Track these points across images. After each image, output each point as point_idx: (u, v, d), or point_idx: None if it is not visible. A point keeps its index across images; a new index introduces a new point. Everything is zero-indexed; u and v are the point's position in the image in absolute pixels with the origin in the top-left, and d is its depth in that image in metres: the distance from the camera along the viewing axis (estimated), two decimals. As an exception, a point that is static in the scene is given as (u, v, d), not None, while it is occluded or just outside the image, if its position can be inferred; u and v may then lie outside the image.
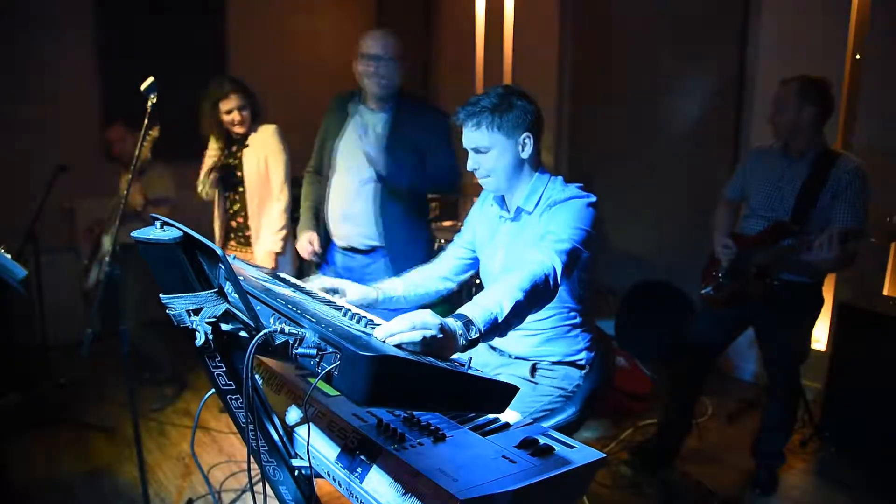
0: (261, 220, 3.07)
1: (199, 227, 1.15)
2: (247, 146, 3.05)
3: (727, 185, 2.82)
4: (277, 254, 3.07)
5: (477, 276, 2.07)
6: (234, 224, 3.15)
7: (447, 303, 3.69)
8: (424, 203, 2.86)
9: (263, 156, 3.03)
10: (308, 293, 1.57)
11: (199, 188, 3.09)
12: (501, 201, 1.90)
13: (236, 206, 3.13)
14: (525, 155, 1.77)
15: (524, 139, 1.76)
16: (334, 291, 1.76)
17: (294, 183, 3.09)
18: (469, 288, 3.93)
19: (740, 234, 2.65)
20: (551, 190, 1.79)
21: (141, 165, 3.04)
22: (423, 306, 1.65)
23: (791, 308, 2.55)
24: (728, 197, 2.77)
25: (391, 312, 1.45)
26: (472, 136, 1.76)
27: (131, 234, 1.10)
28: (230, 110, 2.95)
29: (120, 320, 2.42)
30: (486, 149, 1.75)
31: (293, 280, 1.74)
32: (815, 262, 2.31)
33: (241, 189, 3.10)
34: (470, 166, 1.80)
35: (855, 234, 2.26)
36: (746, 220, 2.66)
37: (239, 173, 3.05)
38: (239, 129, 3.01)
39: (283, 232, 3.06)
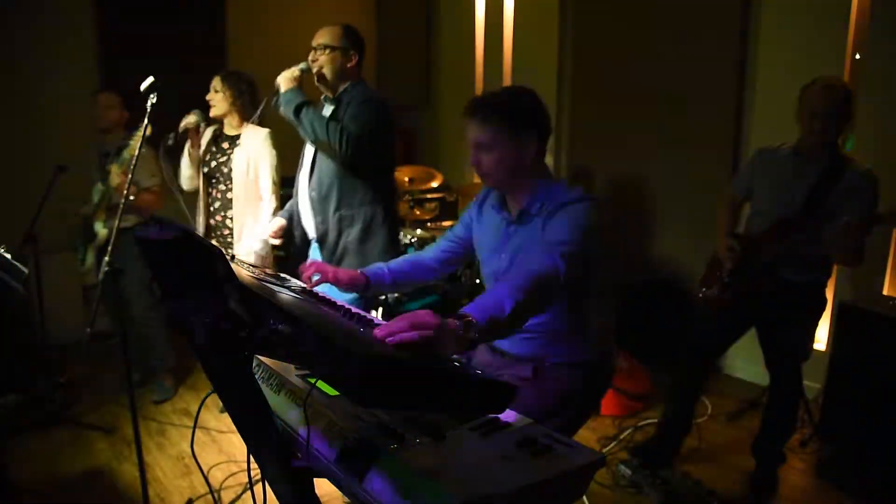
0: (244, 220, 3.11)
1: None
2: (238, 145, 3.11)
3: (732, 182, 2.81)
4: (260, 255, 3.10)
5: (475, 275, 2.08)
6: (212, 222, 3.18)
7: (435, 293, 3.67)
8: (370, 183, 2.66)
9: (254, 158, 3.08)
10: (308, 293, 1.57)
11: (181, 180, 3.18)
12: (502, 203, 1.89)
13: (216, 205, 3.16)
14: (528, 156, 1.77)
15: (528, 141, 1.75)
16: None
17: (286, 183, 3.16)
18: (469, 289, 3.93)
19: (746, 234, 2.65)
20: (555, 193, 1.78)
21: (130, 159, 3.08)
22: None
23: (794, 308, 2.56)
24: (733, 193, 2.77)
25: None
26: (477, 130, 1.75)
27: (135, 233, 1.11)
28: (209, 91, 3.11)
29: (120, 320, 2.42)
30: (489, 145, 1.75)
31: (293, 280, 1.74)
32: (829, 253, 2.31)
33: (221, 188, 3.14)
34: (472, 162, 1.80)
35: (866, 224, 2.26)
36: (752, 220, 2.66)
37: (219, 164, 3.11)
38: (213, 113, 3.11)
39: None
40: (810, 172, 2.46)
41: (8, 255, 2.05)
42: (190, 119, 3.04)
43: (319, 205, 2.69)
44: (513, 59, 4.92)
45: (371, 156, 2.57)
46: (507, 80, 4.91)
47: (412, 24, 5.58)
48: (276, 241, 2.92)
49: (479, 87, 5.13)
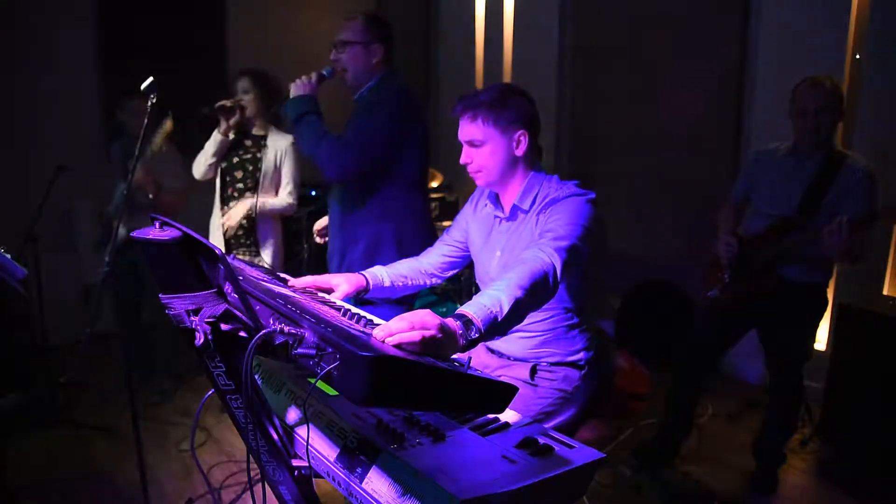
0: (268, 223, 3.14)
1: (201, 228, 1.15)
2: (264, 146, 3.11)
3: (733, 188, 2.82)
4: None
5: (475, 275, 2.07)
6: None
7: (435, 293, 3.63)
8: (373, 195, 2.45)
9: (279, 161, 3.10)
10: (308, 293, 1.57)
11: (195, 167, 3.14)
12: (495, 200, 1.89)
13: (232, 203, 3.13)
14: (519, 152, 1.77)
15: (519, 136, 1.76)
16: (328, 290, 1.78)
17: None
18: (469, 289, 3.93)
19: (745, 234, 2.65)
20: (548, 188, 1.79)
21: (154, 155, 3.07)
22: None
23: (795, 308, 2.56)
24: (733, 199, 2.78)
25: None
26: (467, 128, 1.76)
27: (131, 234, 1.10)
28: (237, 91, 3.08)
29: (121, 321, 2.42)
30: (480, 142, 1.75)
31: (293, 280, 1.74)
32: (824, 252, 2.32)
33: (239, 186, 3.13)
34: (462, 160, 1.80)
35: (863, 221, 2.26)
36: (751, 220, 2.67)
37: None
38: (247, 114, 3.07)
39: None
40: (807, 171, 2.47)
41: (8, 255, 2.04)
42: (226, 101, 2.97)
43: (331, 220, 2.62)
44: (513, 59, 4.92)
45: (374, 173, 2.37)
46: (507, 80, 4.91)
47: (412, 24, 5.58)
48: (321, 240, 2.86)
49: (479, 87, 5.13)
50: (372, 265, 2.45)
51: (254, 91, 3.05)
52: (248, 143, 3.13)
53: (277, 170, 3.11)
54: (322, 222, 2.83)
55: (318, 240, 2.86)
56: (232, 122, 3.00)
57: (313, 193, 4.26)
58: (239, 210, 3.06)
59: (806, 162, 2.48)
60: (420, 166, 2.51)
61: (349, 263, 2.51)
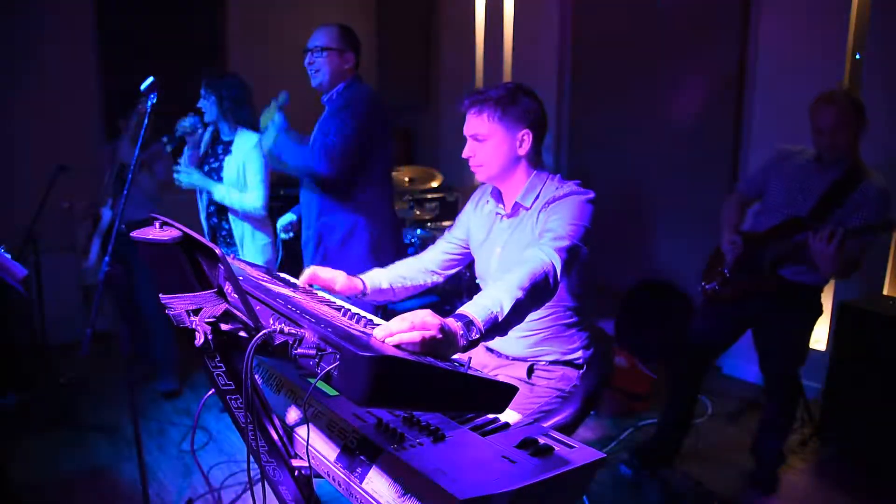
0: (243, 227, 3.06)
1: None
2: (230, 153, 3.05)
3: (743, 180, 2.80)
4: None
5: (475, 275, 2.07)
6: (211, 224, 3.14)
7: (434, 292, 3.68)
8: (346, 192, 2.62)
9: (242, 164, 3.02)
10: (308, 293, 1.58)
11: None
12: (498, 197, 1.89)
13: (212, 208, 3.11)
14: (522, 151, 1.78)
15: (523, 135, 1.77)
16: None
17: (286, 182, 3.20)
18: (469, 288, 3.93)
19: (751, 231, 2.65)
20: (549, 187, 1.79)
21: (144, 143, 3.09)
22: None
23: (791, 309, 2.56)
24: (742, 193, 2.77)
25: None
26: (473, 122, 1.77)
27: (130, 234, 1.10)
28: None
29: (121, 318, 2.42)
30: (484, 137, 1.77)
31: (293, 280, 1.75)
32: (814, 257, 2.32)
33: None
34: (465, 154, 1.82)
35: (865, 231, 2.26)
36: (759, 217, 2.66)
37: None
38: (205, 119, 3.08)
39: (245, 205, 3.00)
40: (827, 178, 2.47)
41: (8, 255, 2.05)
42: (185, 124, 2.96)
43: (307, 209, 2.74)
44: (513, 59, 4.92)
45: (350, 170, 2.53)
46: (506, 80, 4.91)
47: (412, 24, 5.58)
48: (284, 236, 2.97)
49: (479, 86, 5.13)
50: (346, 251, 2.56)
51: (210, 97, 2.99)
52: (220, 149, 3.09)
53: (241, 174, 3.01)
54: (284, 219, 2.96)
55: (282, 235, 2.99)
56: (196, 134, 3.03)
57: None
58: (200, 178, 2.98)
59: (826, 172, 2.49)
60: (386, 162, 2.72)
61: (325, 248, 2.69)
